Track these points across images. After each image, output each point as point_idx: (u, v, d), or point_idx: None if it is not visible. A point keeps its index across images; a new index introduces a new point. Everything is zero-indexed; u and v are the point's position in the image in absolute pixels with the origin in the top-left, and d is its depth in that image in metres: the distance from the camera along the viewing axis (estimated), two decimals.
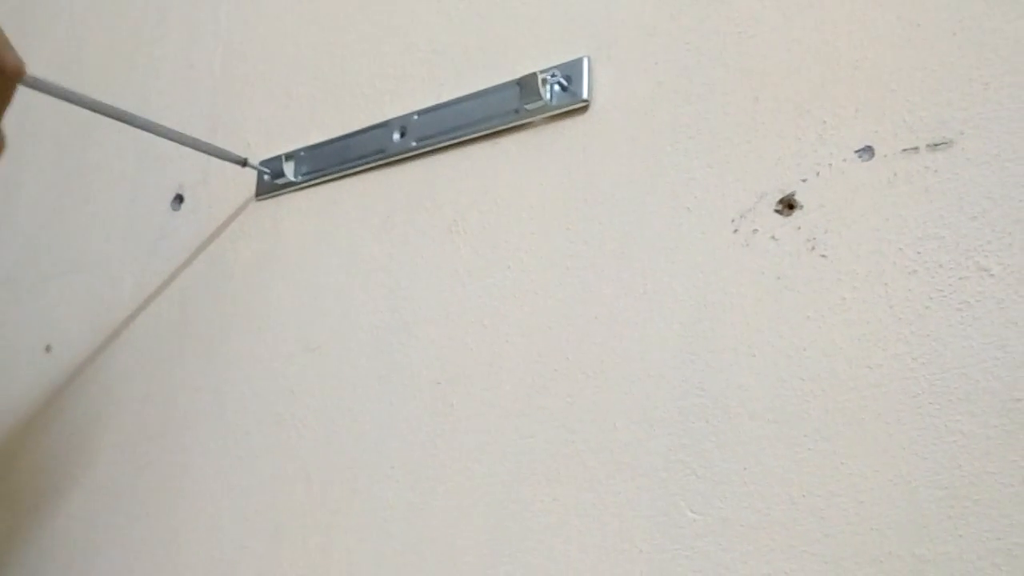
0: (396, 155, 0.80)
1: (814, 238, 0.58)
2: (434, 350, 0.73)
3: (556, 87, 0.71)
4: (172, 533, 0.86)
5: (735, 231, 0.61)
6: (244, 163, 0.88)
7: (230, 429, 0.85)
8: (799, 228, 0.58)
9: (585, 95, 0.70)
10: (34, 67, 1.25)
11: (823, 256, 0.57)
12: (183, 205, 0.97)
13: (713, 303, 0.60)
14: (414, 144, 0.79)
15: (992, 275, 0.51)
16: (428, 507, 0.70)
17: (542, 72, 0.70)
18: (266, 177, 0.89)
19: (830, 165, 0.58)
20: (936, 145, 0.55)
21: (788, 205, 0.59)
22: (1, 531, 1.01)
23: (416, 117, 0.79)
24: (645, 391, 0.62)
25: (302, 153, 0.87)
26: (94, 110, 0.78)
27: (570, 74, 0.71)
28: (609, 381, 0.63)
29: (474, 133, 0.75)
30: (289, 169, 0.87)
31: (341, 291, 0.81)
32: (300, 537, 0.77)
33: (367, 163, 0.82)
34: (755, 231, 0.60)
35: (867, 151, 0.57)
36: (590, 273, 0.66)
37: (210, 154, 0.88)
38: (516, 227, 0.71)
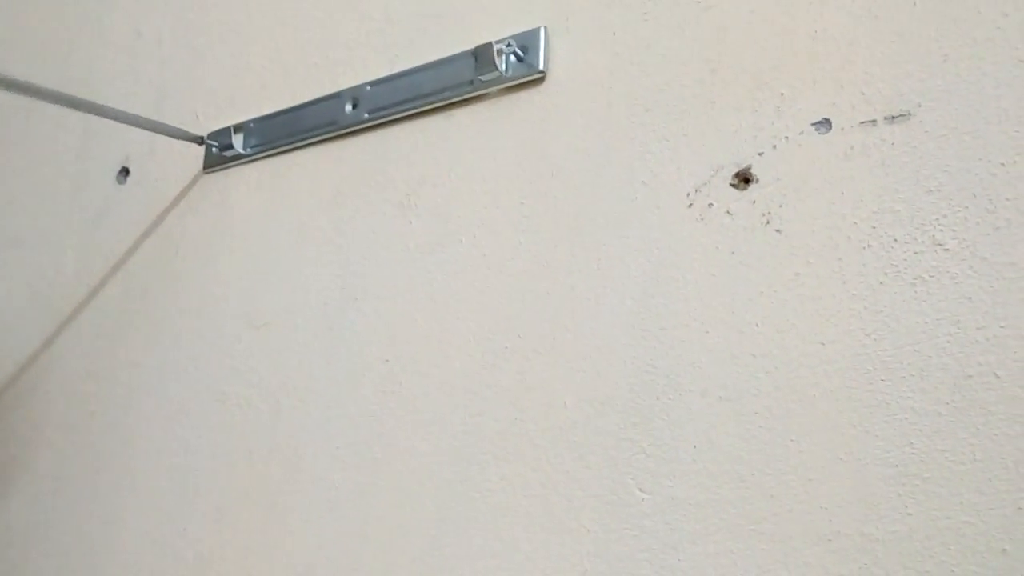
0: (348, 127, 0.78)
1: (769, 212, 0.56)
2: (383, 327, 0.71)
3: (512, 58, 0.69)
4: (113, 513, 0.83)
5: (690, 205, 0.59)
6: (201, 141, 0.85)
7: (173, 407, 0.82)
8: (754, 202, 0.57)
9: (541, 66, 0.68)
10: None
11: (778, 231, 0.56)
12: (129, 178, 0.94)
13: (666, 278, 0.59)
14: (366, 116, 0.76)
15: (947, 249, 0.50)
16: (374, 486, 0.68)
17: (498, 42, 0.68)
18: (214, 149, 0.86)
19: (787, 138, 0.57)
20: (894, 118, 0.54)
21: (744, 179, 0.58)
22: None
23: (369, 88, 0.77)
24: (596, 368, 0.60)
25: (252, 124, 0.85)
26: (38, 97, 0.74)
27: (526, 44, 0.69)
28: (560, 358, 0.62)
29: (428, 105, 0.73)
30: (238, 141, 0.84)
31: (289, 267, 0.79)
32: (243, 517, 0.74)
33: (318, 135, 0.79)
34: (710, 205, 0.59)
35: (824, 124, 0.56)
36: (543, 248, 0.65)
37: (162, 133, 0.84)
38: (469, 201, 0.69)
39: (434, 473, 0.65)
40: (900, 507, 0.49)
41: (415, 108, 0.74)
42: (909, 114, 0.53)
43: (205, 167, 0.87)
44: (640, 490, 0.56)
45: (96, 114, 0.79)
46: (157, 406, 0.84)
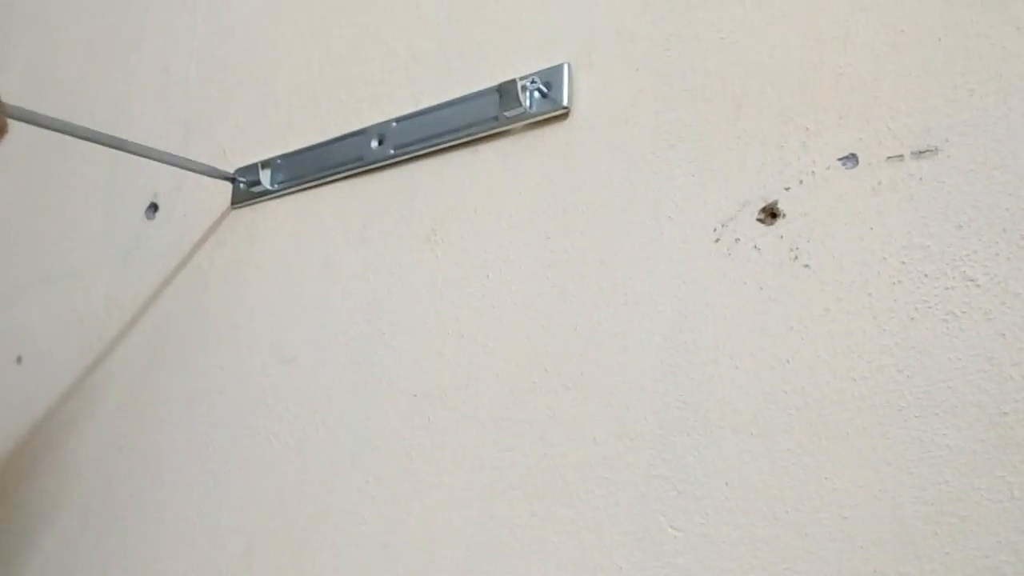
0: (374, 163, 0.78)
1: (797, 247, 0.56)
2: (411, 361, 0.72)
3: (536, 94, 0.69)
4: (143, 549, 0.84)
5: (717, 240, 0.59)
6: (230, 178, 0.86)
7: (202, 442, 0.83)
8: (782, 237, 0.57)
9: (565, 102, 0.68)
10: (9, 73, 1.23)
11: (806, 266, 0.56)
12: (157, 214, 0.95)
13: (694, 314, 0.59)
14: (392, 152, 0.77)
15: (978, 285, 0.50)
16: (404, 523, 0.68)
17: (522, 79, 0.69)
18: (242, 185, 0.87)
19: (813, 173, 0.57)
20: (921, 153, 0.54)
21: (771, 214, 0.58)
22: None
23: (394, 124, 0.78)
24: (625, 404, 0.60)
25: (279, 161, 0.86)
26: (69, 134, 0.76)
27: (550, 80, 0.69)
28: (588, 393, 0.62)
29: (453, 141, 0.74)
30: (265, 177, 0.86)
31: (317, 301, 0.79)
32: (272, 553, 0.75)
33: (344, 171, 0.80)
34: (737, 240, 0.59)
35: (851, 159, 0.56)
36: (570, 283, 0.65)
37: (190, 169, 0.86)
38: (495, 236, 0.70)
39: (463, 509, 0.65)
40: (938, 546, 0.48)
41: (440, 144, 0.74)
42: (936, 149, 0.53)
43: (233, 203, 0.88)
44: (672, 528, 0.56)
45: (125, 151, 0.80)
46: (186, 441, 0.84)
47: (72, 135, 0.77)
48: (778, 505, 0.53)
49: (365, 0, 0.83)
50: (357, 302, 0.77)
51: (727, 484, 0.55)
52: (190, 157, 0.87)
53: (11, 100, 1.16)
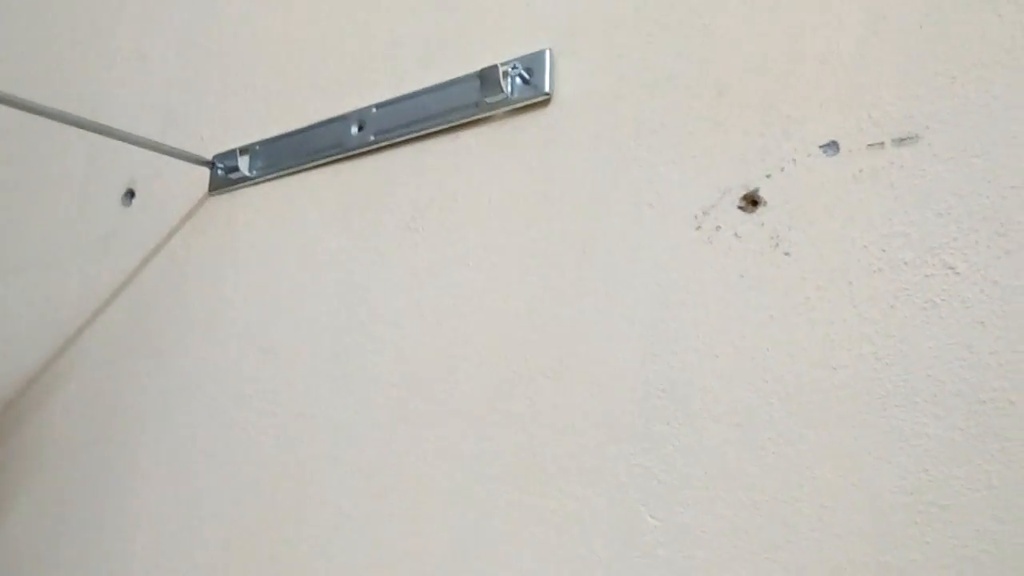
0: (354, 149, 0.78)
1: (778, 235, 0.56)
2: (392, 351, 0.71)
3: (517, 80, 0.69)
4: (120, 543, 0.83)
5: (698, 228, 0.59)
6: (208, 163, 0.85)
7: (179, 433, 0.82)
8: (763, 225, 0.57)
9: (547, 88, 0.67)
10: None
11: (787, 254, 0.56)
12: (134, 201, 0.94)
13: (675, 302, 0.59)
14: (372, 138, 0.76)
15: (958, 273, 0.50)
16: (384, 513, 0.67)
17: (503, 64, 0.68)
18: (220, 171, 0.86)
19: (794, 160, 0.57)
20: (902, 140, 0.53)
21: (752, 201, 0.58)
22: None
23: (375, 110, 0.77)
24: (606, 393, 0.60)
25: (257, 147, 0.85)
26: (45, 116, 0.74)
27: (532, 66, 0.68)
28: (569, 383, 0.61)
29: (433, 127, 0.73)
30: (244, 163, 0.84)
31: (296, 290, 0.79)
32: (251, 547, 0.74)
33: (324, 157, 0.79)
34: (718, 228, 0.58)
35: (832, 146, 0.55)
36: (551, 271, 0.64)
37: (168, 155, 0.84)
38: (476, 224, 0.69)
39: (445, 501, 0.65)
40: (917, 535, 0.48)
41: (421, 130, 0.74)
42: (917, 137, 0.53)
43: (211, 189, 0.87)
44: (652, 517, 0.56)
45: (103, 134, 0.79)
46: (163, 431, 0.83)
47: (51, 118, 0.75)
48: (758, 494, 0.53)
49: None
50: (337, 291, 0.76)
51: (707, 473, 0.55)
52: (167, 143, 0.86)
53: None
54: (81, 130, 0.95)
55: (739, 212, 0.58)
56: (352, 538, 0.69)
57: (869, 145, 0.54)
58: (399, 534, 0.66)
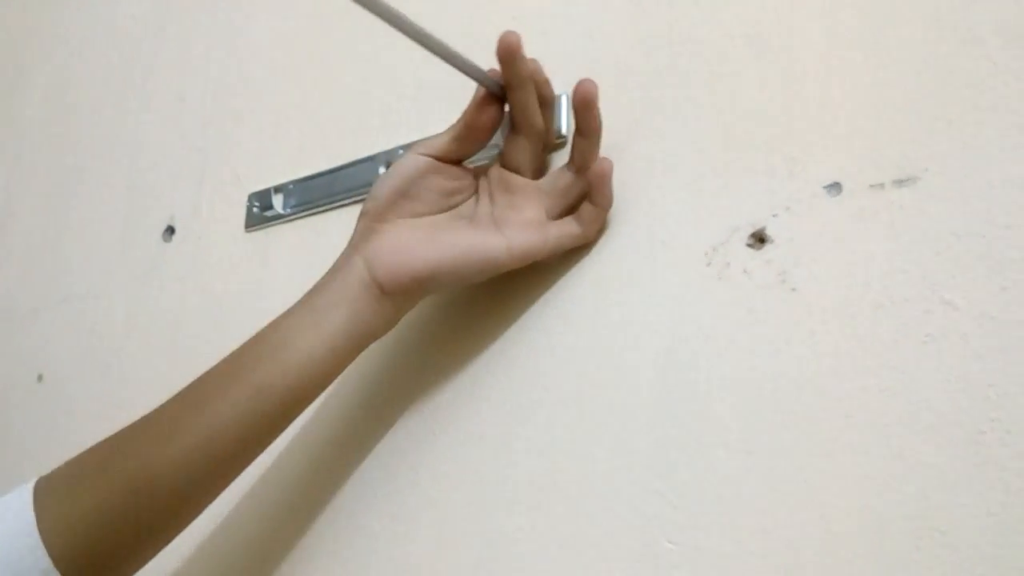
0: None
1: (785, 271, 0.59)
2: (416, 378, 0.74)
3: None
4: (157, 567, 0.87)
5: (708, 264, 0.62)
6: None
7: None
8: (770, 261, 0.60)
9: (564, 131, 0.71)
10: (28, 99, 1.27)
11: (793, 289, 0.58)
12: (174, 236, 0.98)
13: (687, 335, 0.62)
14: None
15: (956, 309, 0.53)
16: (411, 536, 0.71)
17: None
18: (255, 209, 0.91)
19: (799, 200, 0.59)
20: (902, 181, 0.56)
21: (759, 239, 0.60)
22: None
23: (401, 152, 0.81)
24: (622, 421, 0.62)
25: (291, 186, 0.89)
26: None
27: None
28: (587, 411, 0.64)
29: None
30: (278, 202, 0.89)
31: None
32: (284, 568, 0.77)
33: (354, 196, 0.83)
34: (728, 264, 0.61)
35: (835, 187, 0.58)
36: (568, 305, 0.68)
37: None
38: None
39: (470, 524, 0.68)
40: (921, 560, 0.50)
41: None
42: (916, 178, 0.56)
43: (247, 226, 0.92)
44: (669, 541, 0.59)
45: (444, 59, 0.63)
46: None
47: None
48: (768, 520, 0.55)
49: (372, 32, 0.86)
50: None
51: (720, 499, 0.57)
52: (205, 182, 0.90)
53: (30, 126, 1.19)
54: (122, 168, 1.00)
55: (748, 249, 0.61)
56: (379, 559, 0.72)
57: (870, 186, 0.57)
58: (424, 556, 0.69)
